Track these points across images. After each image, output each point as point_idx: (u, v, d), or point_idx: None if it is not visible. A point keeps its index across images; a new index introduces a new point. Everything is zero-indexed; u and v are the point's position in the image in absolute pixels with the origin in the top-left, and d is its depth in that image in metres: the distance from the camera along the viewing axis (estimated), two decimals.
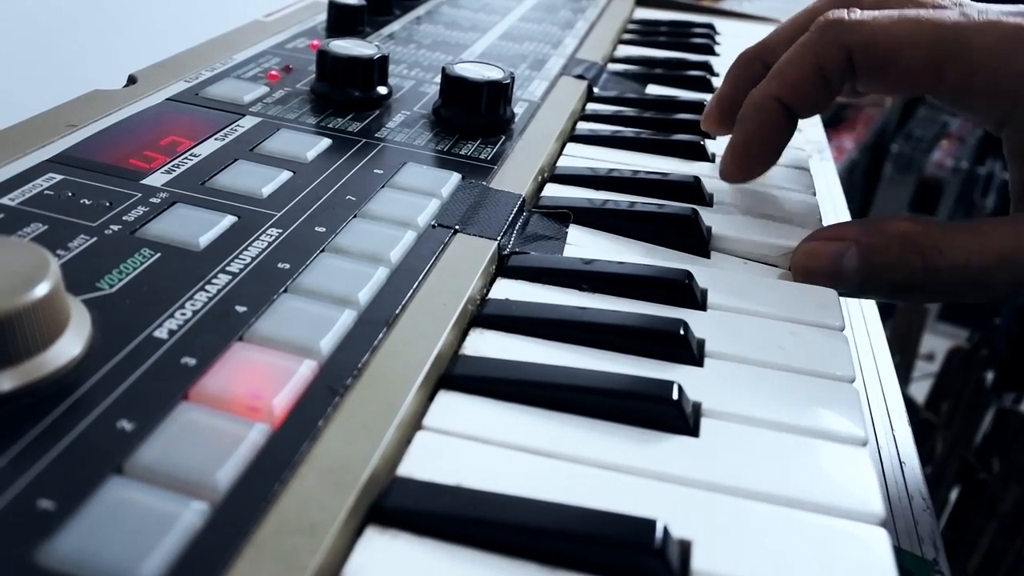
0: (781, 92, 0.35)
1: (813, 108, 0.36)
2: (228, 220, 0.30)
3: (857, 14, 0.34)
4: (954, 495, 1.02)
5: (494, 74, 0.41)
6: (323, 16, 0.54)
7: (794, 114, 0.36)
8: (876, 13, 0.34)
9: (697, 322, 0.29)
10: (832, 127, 1.80)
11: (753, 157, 0.38)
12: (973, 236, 0.31)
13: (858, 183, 1.91)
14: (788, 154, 0.45)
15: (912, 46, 0.33)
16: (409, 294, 0.28)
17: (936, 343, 1.49)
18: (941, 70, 0.33)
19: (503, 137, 0.41)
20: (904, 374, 1.21)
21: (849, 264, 0.32)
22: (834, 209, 0.50)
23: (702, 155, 0.43)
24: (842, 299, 0.32)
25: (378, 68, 0.42)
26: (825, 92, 0.35)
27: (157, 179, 0.32)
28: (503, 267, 0.32)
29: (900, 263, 0.32)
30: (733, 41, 0.66)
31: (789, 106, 0.36)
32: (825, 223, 0.39)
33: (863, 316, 0.42)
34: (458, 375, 0.26)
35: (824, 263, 0.33)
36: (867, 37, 0.33)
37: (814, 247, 0.34)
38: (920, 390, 1.20)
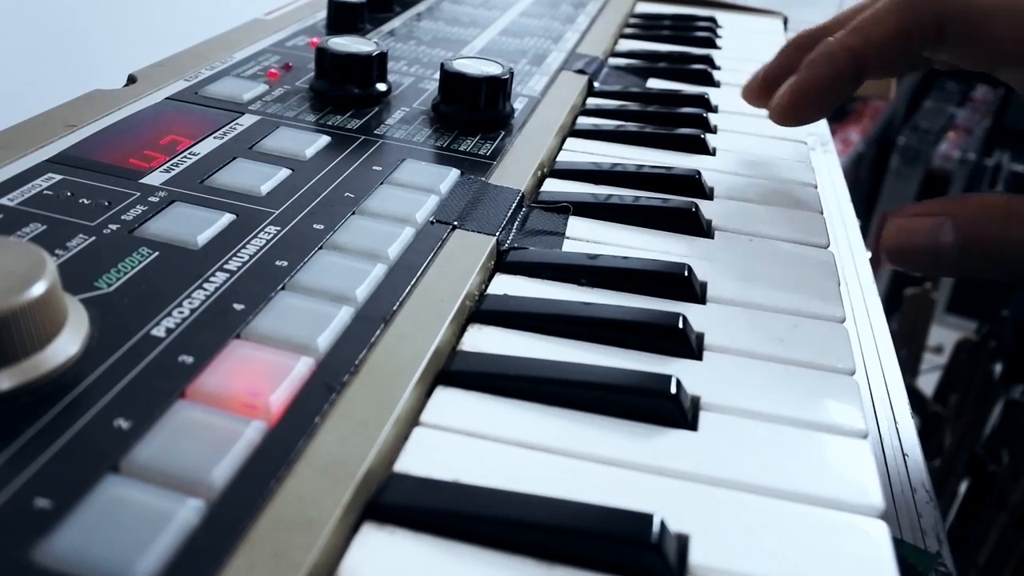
0: (861, 47, 0.34)
1: (885, 71, 0.35)
2: (226, 218, 0.30)
3: None
4: (963, 488, 1.01)
5: (493, 69, 0.41)
6: (323, 14, 0.54)
7: (862, 73, 0.35)
8: None
9: (696, 315, 0.29)
10: (838, 120, 1.79)
11: (810, 103, 0.37)
12: None
13: (864, 176, 1.90)
14: (789, 147, 0.45)
15: (1009, 13, 0.31)
16: (407, 290, 0.28)
17: (944, 335, 1.48)
18: None
19: (502, 133, 0.41)
20: (912, 366, 1.20)
21: (946, 238, 0.30)
22: (837, 202, 0.50)
23: (703, 149, 0.43)
24: (844, 291, 0.32)
25: (377, 65, 0.42)
26: (904, 56, 0.34)
27: (156, 178, 0.32)
28: (502, 262, 0.32)
29: (1002, 234, 0.30)
30: (735, 35, 0.66)
31: (862, 64, 0.35)
32: (827, 216, 0.38)
33: (866, 307, 0.41)
34: (456, 371, 0.26)
35: (920, 240, 0.31)
36: (963, 4, 0.32)
37: (907, 223, 0.32)
38: (929, 382, 1.19)
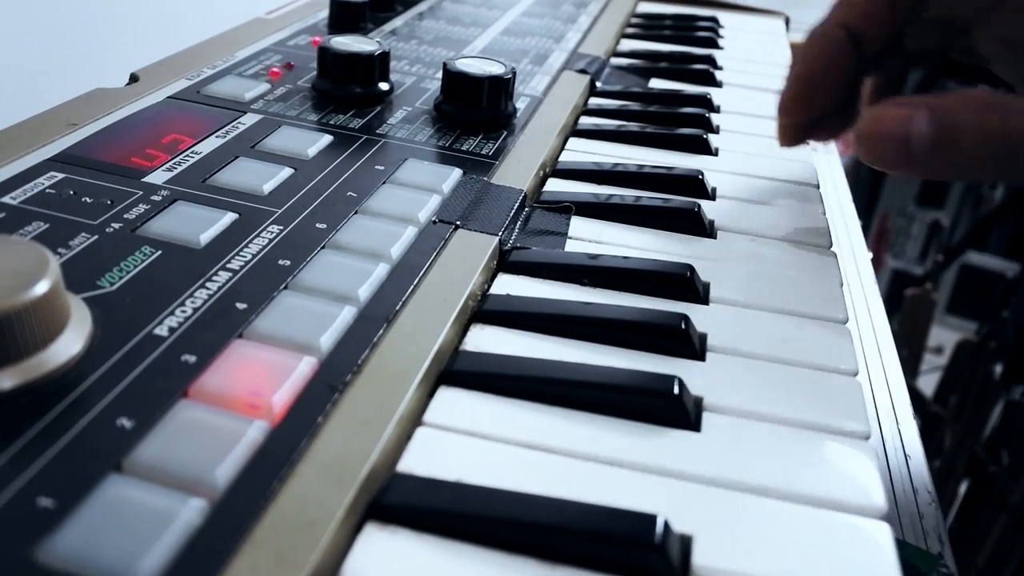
0: (848, 18, 0.34)
1: (879, 38, 0.34)
2: (229, 217, 0.30)
3: None
4: (963, 489, 1.01)
5: (495, 69, 0.41)
6: (325, 13, 0.54)
7: (860, 48, 0.34)
8: None
9: (699, 316, 0.29)
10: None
11: (815, 90, 0.35)
12: None
13: (865, 175, 1.90)
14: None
15: None
16: (409, 290, 0.28)
17: (944, 336, 1.48)
18: None
19: (504, 132, 0.41)
20: (912, 367, 1.20)
21: (920, 127, 0.29)
22: (838, 201, 0.50)
23: (705, 149, 0.43)
24: (846, 292, 0.32)
25: (379, 64, 0.42)
26: (893, 18, 0.33)
27: (158, 177, 0.32)
28: (504, 262, 0.32)
29: (977, 124, 0.29)
30: (737, 35, 0.66)
31: (855, 35, 0.34)
32: (829, 217, 0.38)
33: (868, 309, 0.41)
34: (458, 371, 0.26)
35: (893, 126, 0.30)
36: None
37: (881, 111, 0.31)
38: (929, 383, 1.19)
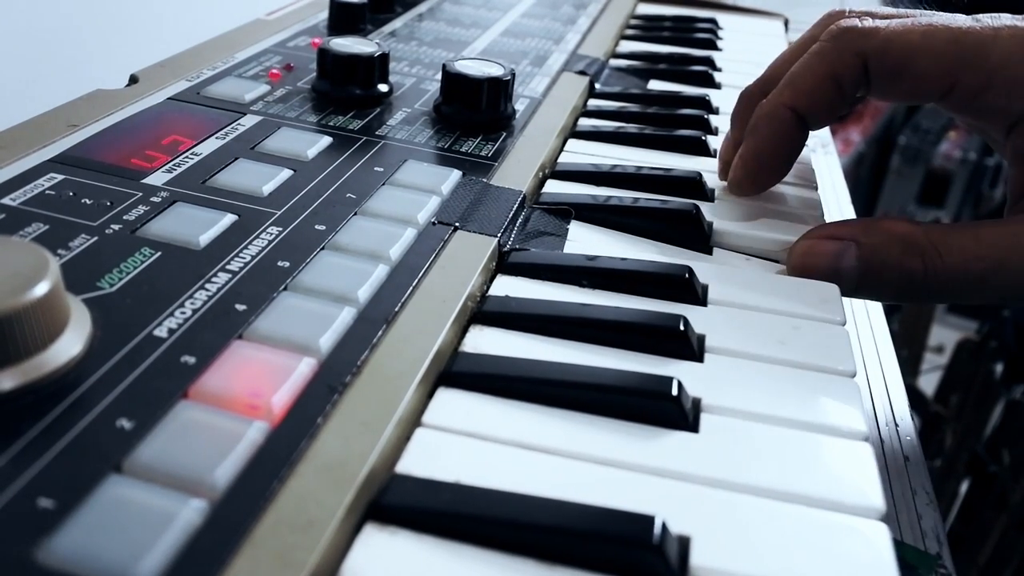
0: (795, 101, 0.35)
1: (826, 117, 0.35)
2: (228, 219, 0.30)
3: (870, 22, 0.34)
4: (964, 488, 1.01)
5: (494, 71, 0.41)
6: (325, 14, 0.54)
7: (806, 124, 0.35)
8: (890, 20, 0.34)
9: (698, 317, 0.29)
10: (839, 120, 1.79)
11: (765, 168, 0.37)
12: (971, 240, 0.31)
13: (865, 175, 1.90)
14: None
15: (927, 52, 0.33)
16: (409, 291, 0.28)
17: (945, 335, 1.48)
18: (957, 75, 0.32)
19: (504, 134, 0.41)
20: (913, 367, 1.20)
21: (848, 263, 0.32)
22: (838, 203, 0.50)
23: (704, 150, 0.43)
24: None
25: (379, 66, 0.42)
26: (839, 100, 0.35)
27: (158, 178, 0.32)
28: (503, 264, 0.32)
29: (900, 264, 0.32)
30: (736, 36, 0.66)
31: (802, 115, 0.35)
32: (828, 218, 0.39)
33: (867, 309, 0.42)
34: (457, 372, 0.26)
35: (822, 261, 0.33)
36: (881, 43, 0.33)
37: (812, 245, 0.33)
38: (929, 383, 1.19)
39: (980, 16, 0.33)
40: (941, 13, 0.34)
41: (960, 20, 0.33)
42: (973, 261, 0.31)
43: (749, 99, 0.39)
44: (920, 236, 0.32)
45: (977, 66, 0.32)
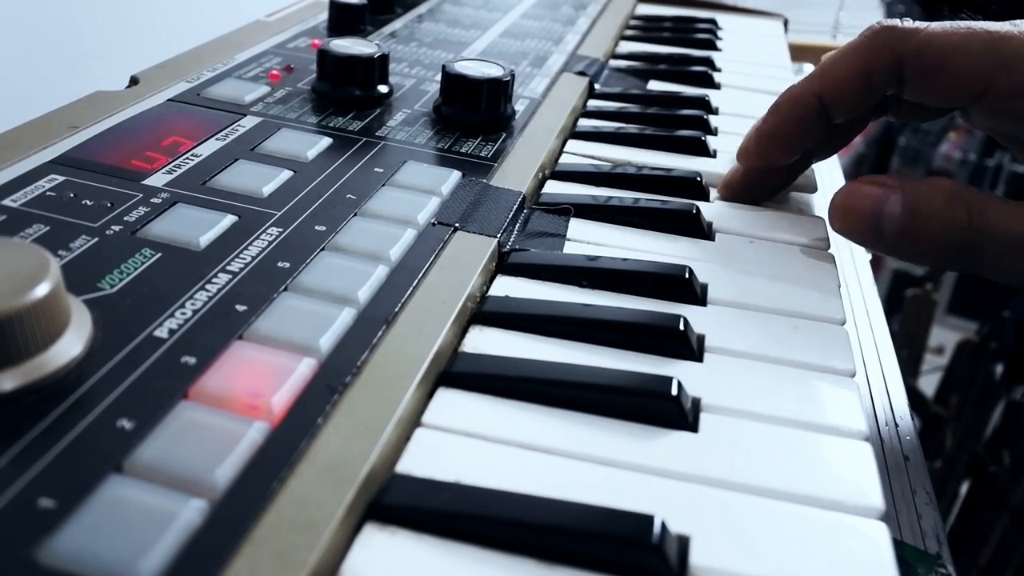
0: (823, 89, 0.35)
1: (850, 111, 0.35)
2: (228, 220, 0.30)
3: (910, 22, 0.34)
4: (964, 489, 1.01)
5: (494, 71, 0.41)
6: (325, 15, 0.54)
7: (829, 115, 0.35)
8: (930, 23, 0.34)
9: (697, 317, 0.29)
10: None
11: (775, 143, 0.37)
12: (1014, 208, 0.31)
13: (865, 174, 1.90)
14: None
15: (965, 53, 0.33)
16: (409, 292, 0.28)
17: (945, 336, 1.48)
18: (993, 78, 0.32)
19: (504, 134, 0.41)
20: (913, 367, 1.20)
21: (891, 209, 0.31)
22: None
23: (703, 151, 0.43)
24: (844, 293, 0.32)
25: (378, 67, 0.42)
26: (866, 95, 0.35)
27: (158, 179, 0.32)
28: (503, 264, 0.32)
29: (945, 215, 0.31)
30: (736, 37, 0.66)
31: (827, 105, 0.35)
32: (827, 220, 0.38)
33: (866, 309, 0.42)
34: (457, 372, 0.26)
35: (866, 203, 0.32)
36: (920, 43, 0.33)
37: (856, 187, 0.33)
38: (929, 383, 1.19)
39: (1020, 22, 0.33)
40: (983, 21, 0.34)
41: (1000, 26, 0.33)
42: (1018, 223, 0.30)
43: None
44: (966, 191, 0.31)
45: (1013, 69, 0.32)
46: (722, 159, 0.43)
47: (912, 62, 0.34)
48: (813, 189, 0.41)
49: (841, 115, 0.36)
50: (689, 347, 0.27)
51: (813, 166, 0.43)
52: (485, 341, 0.27)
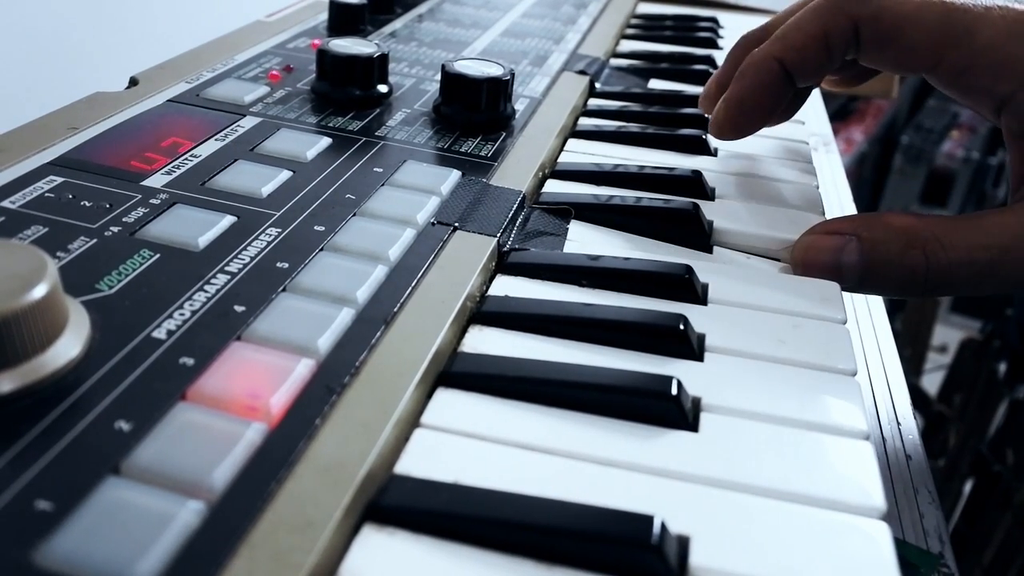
0: (784, 54, 0.35)
1: (811, 75, 0.36)
2: (227, 220, 0.30)
3: None
4: (968, 487, 1.01)
5: (494, 71, 0.41)
6: (324, 16, 0.54)
7: (792, 79, 0.36)
8: None
9: (698, 317, 0.29)
10: (841, 119, 1.79)
11: (745, 114, 0.37)
12: (974, 230, 0.31)
13: (868, 175, 1.90)
14: (791, 147, 0.45)
15: (917, 24, 0.33)
16: (408, 292, 0.28)
17: (948, 335, 1.48)
18: (943, 50, 0.33)
19: (504, 134, 0.41)
20: (916, 366, 1.20)
21: (849, 259, 0.32)
22: (839, 202, 0.50)
23: (704, 149, 0.43)
24: (845, 292, 0.32)
25: (378, 66, 0.42)
26: (827, 59, 0.35)
27: (157, 180, 0.32)
28: (503, 264, 0.32)
29: (902, 259, 0.31)
30: (737, 35, 0.66)
31: (789, 69, 0.35)
32: (829, 216, 0.38)
33: (868, 308, 0.41)
34: (456, 372, 0.26)
35: (824, 256, 0.33)
36: (874, 10, 0.33)
37: (814, 240, 0.33)
38: (933, 382, 1.19)
39: None
40: None
41: None
42: (978, 250, 0.31)
43: (746, 44, 0.40)
44: (922, 229, 0.31)
45: (962, 44, 0.32)
46: (723, 158, 0.43)
47: (867, 28, 0.34)
48: (815, 187, 0.41)
49: (804, 79, 0.36)
50: (689, 346, 0.27)
51: (815, 164, 0.43)
52: (484, 341, 0.27)
